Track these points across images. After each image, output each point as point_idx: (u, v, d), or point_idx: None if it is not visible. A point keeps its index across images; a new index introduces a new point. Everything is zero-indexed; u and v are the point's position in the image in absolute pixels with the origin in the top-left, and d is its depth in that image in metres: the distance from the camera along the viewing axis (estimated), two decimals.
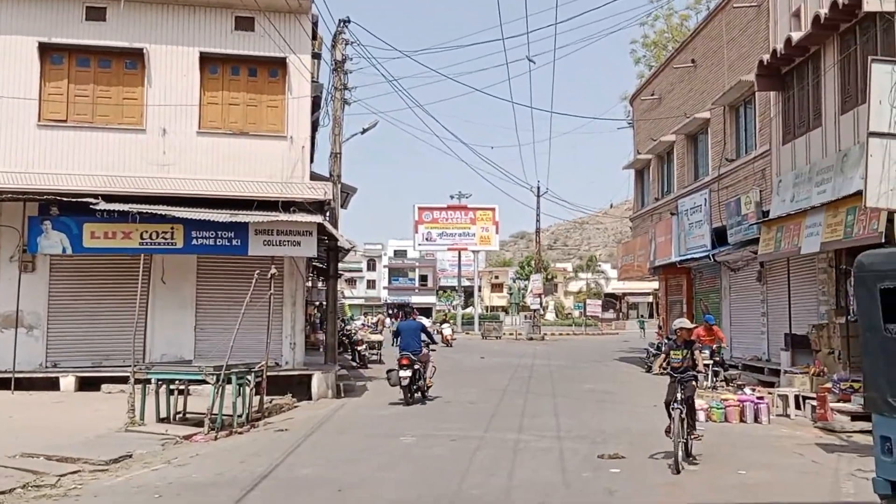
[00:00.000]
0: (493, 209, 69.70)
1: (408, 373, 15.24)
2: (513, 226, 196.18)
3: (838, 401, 13.54)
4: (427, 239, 69.37)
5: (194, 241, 15.81)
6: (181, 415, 13.26)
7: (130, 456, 10.20)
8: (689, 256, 23.52)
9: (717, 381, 16.44)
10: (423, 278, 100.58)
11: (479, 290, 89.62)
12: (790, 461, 9.74)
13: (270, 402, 15.05)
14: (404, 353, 15.55)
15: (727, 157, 21.20)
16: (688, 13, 42.81)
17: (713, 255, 22.03)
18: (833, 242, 14.36)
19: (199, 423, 12.28)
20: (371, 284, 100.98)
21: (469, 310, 73.73)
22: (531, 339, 50.79)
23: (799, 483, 8.56)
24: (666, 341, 25.00)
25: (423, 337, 16.28)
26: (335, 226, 17.98)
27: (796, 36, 15.98)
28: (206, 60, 17.17)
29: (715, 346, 17.83)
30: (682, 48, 25.34)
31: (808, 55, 16.17)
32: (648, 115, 28.64)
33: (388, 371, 16.18)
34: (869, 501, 7.66)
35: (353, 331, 29.02)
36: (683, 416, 9.49)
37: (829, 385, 14.26)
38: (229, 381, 12.53)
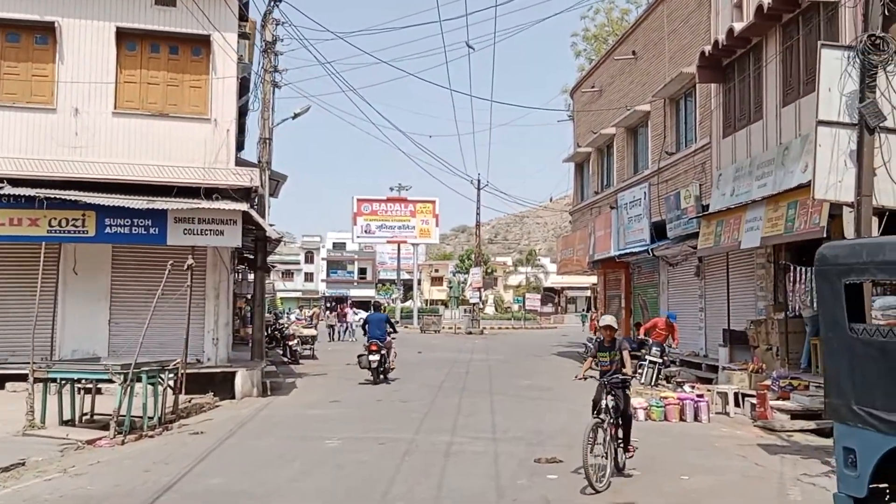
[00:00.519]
0: (433, 202, 69.06)
1: (376, 357, 17.83)
2: (453, 219, 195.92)
3: (778, 398, 13.28)
4: (366, 231, 68.37)
5: (108, 230, 14.73)
6: (88, 417, 12.29)
7: (23, 464, 9.25)
8: (628, 251, 23.24)
9: (658, 378, 16.06)
10: (363, 271, 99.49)
11: (419, 283, 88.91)
12: (733, 464, 9.31)
13: (189, 401, 14.14)
14: (372, 340, 18.00)
15: (667, 151, 20.93)
16: (628, 7, 42.83)
17: (652, 250, 21.77)
18: (774, 237, 14.10)
19: (107, 427, 11.33)
20: (309, 277, 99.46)
21: (408, 303, 73.01)
22: (470, 333, 50.34)
23: (744, 488, 8.11)
24: (593, 340, 24.87)
25: (388, 327, 18.78)
26: (263, 215, 17.08)
27: (738, 27, 15.67)
28: (124, 36, 16.05)
29: (667, 343, 17.47)
30: (623, 40, 25.04)
31: (749, 47, 15.89)
32: (589, 107, 28.32)
33: (359, 356, 18.47)
34: None
35: (286, 325, 28.00)
36: (605, 427, 8.31)
37: (768, 382, 14.00)
38: (139, 380, 11.59)
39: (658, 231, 21.33)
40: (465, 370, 22.25)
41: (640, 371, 17.21)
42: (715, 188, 17.21)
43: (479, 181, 52.99)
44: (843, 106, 8.59)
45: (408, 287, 78.93)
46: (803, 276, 14.13)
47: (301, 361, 24.53)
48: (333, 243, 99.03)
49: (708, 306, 20.25)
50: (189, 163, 15.85)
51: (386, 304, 74.98)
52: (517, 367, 23.69)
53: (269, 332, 28.10)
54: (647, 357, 16.59)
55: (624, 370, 8.78)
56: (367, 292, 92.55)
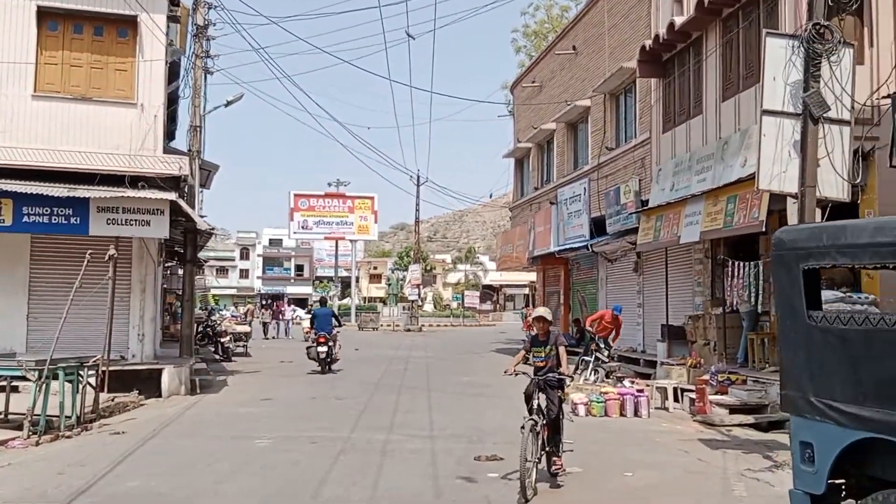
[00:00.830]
0: (371, 198, 68.45)
1: (324, 348, 19.23)
2: (393, 217, 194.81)
3: (716, 393, 13.24)
4: (303, 227, 67.37)
5: (26, 219, 13.85)
6: (2, 416, 11.50)
7: None
8: (567, 246, 23.16)
9: (598, 374, 15.91)
10: (300, 268, 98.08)
11: (357, 280, 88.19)
12: (676, 459, 9.14)
13: (111, 400, 13.39)
14: (321, 332, 19.42)
15: (607, 146, 20.89)
16: (568, 4, 42.97)
17: (591, 246, 21.73)
18: (713, 231, 14.08)
19: (21, 427, 10.59)
20: (244, 274, 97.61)
21: (346, 300, 72.20)
22: (409, 330, 49.96)
23: (688, 485, 7.91)
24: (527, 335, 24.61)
25: (334, 321, 20.13)
26: (193, 206, 16.37)
27: (679, 21, 15.63)
28: (45, 15, 15.15)
29: (611, 338, 17.30)
30: (563, 35, 24.96)
31: (690, 41, 15.88)
32: (529, 102, 28.20)
33: (308, 347, 20.10)
34: None
35: (218, 321, 27.17)
36: (538, 429, 7.61)
37: (706, 377, 13.96)
38: (56, 378, 10.88)
39: (598, 227, 21.30)
40: (404, 367, 21.86)
41: (580, 368, 17.08)
42: (655, 183, 17.18)
43: (418, 177, 52.66)
44: (788, 95, 8.48)
45: (346, 284, 78.07)
46: (741, 271, 14.15)
47: (234, 359, 23.81)
48: (270, 240, 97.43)
49: (646, 302, 20.28)
50: (114, 149, 15.07)
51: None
52: (456, 364, 23.40)
53: (202, 329, 27.28)
54: (593, 353, 16.38)
55: (560, 369, 8.04)
56: (305, 289, 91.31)
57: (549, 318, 8.37)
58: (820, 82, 8.32)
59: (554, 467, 7.86)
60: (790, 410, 4.61)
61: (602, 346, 16.39)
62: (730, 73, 14.49)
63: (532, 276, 42.76)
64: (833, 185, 8.50)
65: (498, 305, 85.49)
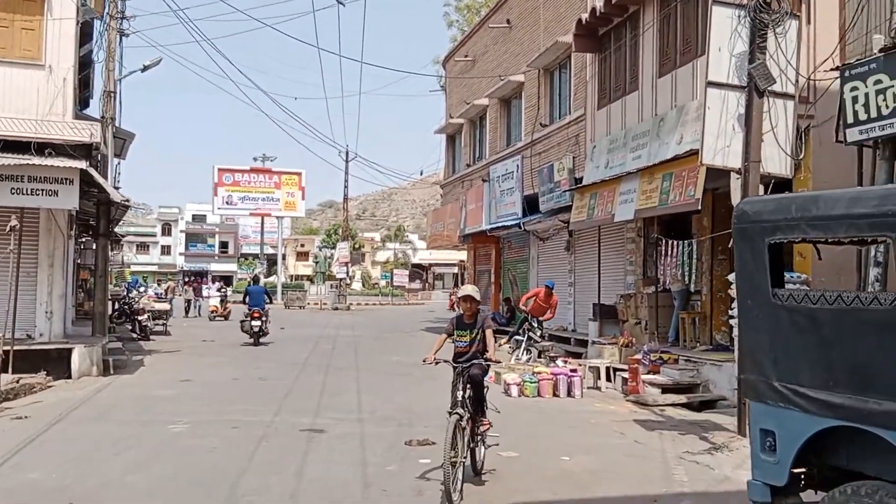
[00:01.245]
0: (299, 174, 67.05)
1: (258, 322, 20.80)
2: (321, 194, 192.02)
3: (648, 372, 13.11)
4: (227, 203, 65.57)
5: None
6: None
7: None
8: (499, 224, 22.85)
9: (531, 354, 15.64)
10: (224, 245, 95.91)
11: (284, 258, 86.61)
12: (613, 442, 8.87)
13: (17, 381, 12.50)
14: (254, 308, 21.01)
15: (541, 122, 20.58)
16: None
17: (523, 224, 21.46)
18: (648, 209, 13.90)
19: None
20: (166, 250, 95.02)
21: (272, 278, 70.75)
22: (336, 308, 49.19)
23: (628, 468, 7.63)
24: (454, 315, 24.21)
25: (266, 298, 21.95)
26: (106, 176, 15.39)
27: None
28: None
29: (546, 316, 16.98)
30: (497, 8, 24.46)
31: (627, 15, 15.61)
32: (462, 77, 27.70)
33: (242, 321, 21.68)
34: (704, 492, 6.86)
35: (135, 298, 25.98)
36: (464, 424, 6.66)
37: (638, 356, 13.83)
38: None
39: (530, 205, 21.02)
40: (332, 346, 21.27)
41: (512, 347, 16.81)
42: (589, 160, 16.95)
43: (347, 152, 51.70)
44: (733, 67, 8.21)
45: (272, 262, 76.61)
46: (674, 250, 14.04)
47: (153, 338, 22.78)
48: (193, 215, 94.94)
49: (578, 280, 20.15)
50: (19, 114, 13.98)
51: (248, 280, 72.09)
52: (385, 344, 22.93)
53: (119, 306, 26.09)
54: (526, 332, 16.07)
55: (487, 354, 7.05)
56: (230, 266, 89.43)
57: (478, 297, 7.32)
58: (766, 54, 8.06)
59: (482, 427, 7.13)
60: (750, 396, 4.28)
61: (535, 325, 16.11)
62: (667, 48, 14.28)
63: (462, 255, 42.51)
64: (776, 160, 8.29)
65: (427, 284, 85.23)
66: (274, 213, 66.46)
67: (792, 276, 11.78)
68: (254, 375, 14.54)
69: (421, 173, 46.79)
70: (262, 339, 20.98)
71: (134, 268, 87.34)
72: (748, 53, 8.18)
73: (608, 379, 13.83)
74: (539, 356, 15.45)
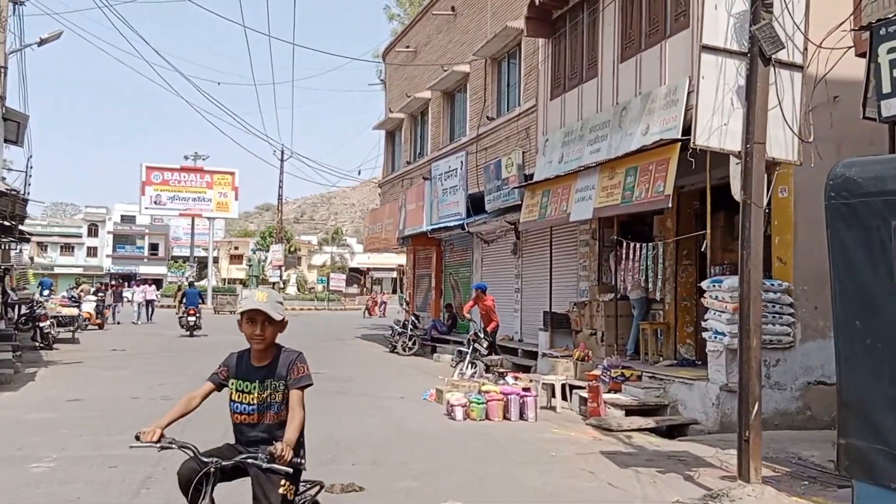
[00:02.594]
0: (232, 173, 64.39)
1: (192, 318, 25.39)
2: (259, 196, 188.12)
3: (609, 391, 11.66)
4: (156, 202, 62.49)
5: None
6: None
7: None
8: (441, 225, 21.23)
9: (476, 368, 14.00)
10: (154, 247, 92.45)
11: (217, 261, 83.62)
12: (582, 485, 7.27)
13: None
14: (190, 306, 25.57)
15: (488, 116, 19.04)
16: None
17: (467, 225, 19.89)
18: (609, 208, 12.42)
19: None
20: (92, 252, 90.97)
21: (203, 282, 67.81)
22: None
23: None
24: (401, 322, 22.80)
25: (199, 299, 26.69)
26: None
27: None
28: None
29: (491, 327, 15.41)
30: None
31: None
32: (402, 70, 26.01)
33: (180, 317, 26.22)
34: None
35: (37, 302, 23.45)
36: None
37: (597, 372, 12.36)
38: None
39: (475, 204, 19.47)
40: None
41: (454, 359, 15.20)
42: (541, 155, 15.45)
43: (282, 151, 49.67)
44: (732, 30, 6.77)
45: (203, 265, 73.59)
46: (635, 254, 12.61)
47: (56, 347, 20.47)
48: (122, 216, 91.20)
49: (525, 286, 18.68)
50: None
51: (180, 283, 68.72)
52: (315, 353, 20.87)
53: (26, 311, 23.55)
54: (472, 344, 14.44)
55: (287, 435, 3.89)
56: (159, 269, 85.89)
57: (276, 314, 4.04)
58: (772, 14, 6.61)
59: None
60: (859, 473, 2.72)
61: (481, 335, 14.50)
62: (630, 30, 12.85)
63: (402, 259, 40.80)
64: (781, 143, 6.85)
65: (365, 289, 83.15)
66: (205, 213, 63.63)
67: (771, 284, 10.46)
68: (157, 393, 12.57)
69: (359, 172, 45.10)
70: (195, 333, 25.37)
71: (57, 270, 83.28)
72: (750, 13, 6.70)
73: (564, 398, 12.32)
74: (487, 371, 13.83)
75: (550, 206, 14.38)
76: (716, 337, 10.51)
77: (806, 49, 6.90)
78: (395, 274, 79.41)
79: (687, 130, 10.94)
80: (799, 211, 10.48)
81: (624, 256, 12.84)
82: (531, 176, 15.83)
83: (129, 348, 20.94)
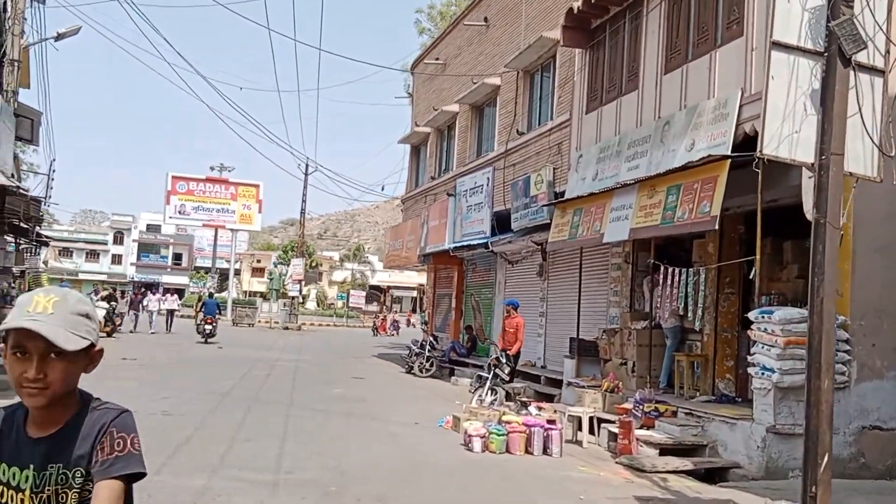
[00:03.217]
0: (257, 186, 64.13)
1: (210, 326, 27.16)
2: (284, 211, 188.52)
3: (641, 426, 10.74)
4: (180, 212, 62.30)
5: None
6: None
7: None
8: (464, 243, 20.41)
9: (497, 395, 13.10)
10: (178, 257, 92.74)
11: (239, 273, 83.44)
12: None
13: None
14: (208, 315, 27.58)
15: (518, 130, 18.27)
16: None
17: (491, 244, 19.07)
18: (648, 228, 11.54)
19: None
20: (117, 259, 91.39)
21: (224, 294, 67.42)
22: (287, 328, 46.36)
23: None
24: (419, 343, 21.87)
25: (217, 309, 28.40)
26: None
27: None
28: None
29: (515, 349, 14.47)
30: (474, 5, 22.15)
31: (626, 3, 13.37)
32: (431, 83, 25.38)
33: (197, 324, 28.27)
34: None
35: None
36: None
37: (628, 406, 11.45)
38: None
39: (501, 222, 18.66)
40: (267, 373, 18.59)
41: (473, 384, 14.33)
42: (573, 172, 14.63)
43: (307, 164, 49.32)
44: (806, 27, 5.95)
45: (225, 276, 73.31)
46: (674, 280, 11.71)
47: None
48: (147, 225, 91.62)
49: (550, 310, 17.80)
50: None
51: (200, 293, 68.35)
52: (329, 371, 20.28)
53: None
54: (493, 369, 13.54)
55: None
56: (182, 279, 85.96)
57: (69, 339, 1.91)
58: (853, 9, 5.78)
59: None
60: None
61: (503, 360, 13.61)
62: (676, 39, 12.03)
63: (423, 278, 40.01)
64: (859, 156, 5.99)
65: (385, 307, 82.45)
66: (228, 225, 63.36)
67: None
68: (158, 408, 11.81)
69: (382, 188, 44.58)
70: (210, 340, 26.92)
71: (82, 276, 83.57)
72: (827, 9, 5.87)
73: (591, 432, 11.40)
74: (507, 399, 12.93)
75: (582, 226, 13.52)
76: (763, 373, 9.58)
77: (888, 52, 6.05)
78: (415, 293, 78.74)
79: (738, 147, 10.18)
80: (859, 237, 9.58)
81: (661, 282, 11.95)
82: (562, 194, 15.01)
83: (141, 358, 20.27)
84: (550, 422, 10.45)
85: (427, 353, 20.55)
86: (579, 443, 11.18)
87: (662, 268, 12.02)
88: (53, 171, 28.12)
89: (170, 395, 13.44)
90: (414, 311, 77.04)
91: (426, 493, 7.39)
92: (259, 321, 52.18)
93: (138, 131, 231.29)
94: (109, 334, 27.50)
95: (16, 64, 13.99)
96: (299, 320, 49.14)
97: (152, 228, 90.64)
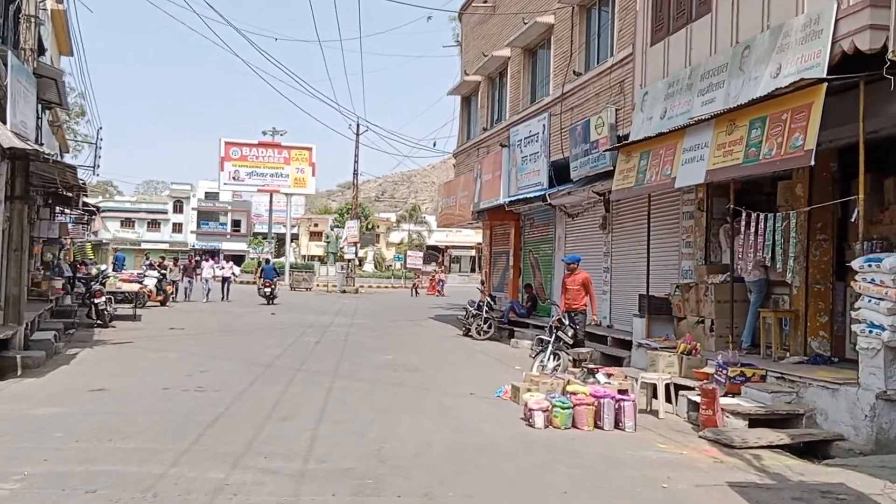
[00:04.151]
0: (309, 149, 63.50)
1: (268, 289, 29.81)
2: (342, 175, 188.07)
3: (725, 393, 9.46)
4: (234, 178, 62.17)
5: None
6: None
7: None
8: (519, 197, 19.14)
9: (560, 361, 11.87)
10: (237, 223, 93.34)
11: (297, 238, 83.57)
12: None
13: None
14: (266, 279, 30.23)
15: (574, 71, 16.80)
16: None
17: (549, 195, 17.74)
18: (727, 169, 10.09)
19: None
20: (177, 228, 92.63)
21: (281, 259, 67.40)
22: (344, 291, 45.90)
23: None
24: (476, 303, 20.65)
25: (275, 273, 31.10)
26: (3, 118, 11.79)
27: None
28: None
29: (579, 304, 13.11)
30: None
31: None
32: (479, 30, 23.89)
33: (258, 287, 30.94)
34: None
35: (98, 277, 22.41)
36: None
37: (709, 370, 10.19)
38: None
39: (559, 173, 17.36)
40: (317, 339, 17.78)
41: (533, 347, 13.16)
42: (638, 111, 13.18)
43: (357, 124, 48.30)
44: None
45: (284, 241, 73.37)
46: (759, 227, 10.28)
47: (113, 325, 19.35)
48: (206, 193, 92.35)
49: (615, 266, 16.48)
50: None
51: (258, 259, 68.36)
52: (383, 336, 19.37)
53: (85, 286, 22.63)
54: (554, 332, 12.30)
55: None
56: (241, 246, 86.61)
57: None
58: None
59: None
60: None
61: (566, 322, 12.36)
62: None
63: (480, 237, 38.82)
64: None
65: (443, 267, 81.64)
66: (283, 189, 63.01)
67: None
68: (193, 383, 10.97)
69: (434, 144, 43.13)
70: (272, 301, 29.64)
71: (144, 245, 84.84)
72: None
73: (668, 399, 10.15)
74: (574, 365, 11.70)
75: (650, 171, 12.12)
76: (871, 331, 8.19)
77: None
78: (473, 252, 77.60)
79: (833, 69, 8.69)
80: None
81: (744, 230, 10.53)
82: (626, 137, 13.60)
83: (189, 327, 19.70)
84: (622, 392, 9.22)
85: (485, 315, 19.44)
86: (654, 413, 9.96)
87: (745, 214, 10.59)
88: (101, 139, 27.64)
89: (210, 367, 12.64)
90: (472, 270, 76.00)
91: (480, 489, 6.28)
92: (317, 285, 51.86)
93: (193, 100, 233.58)
94: (163, 303, 27.11)
95: (32, 20, 13.10)
96: (356, 283, 48.58)
97: (210, 196, 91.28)
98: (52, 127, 24.43)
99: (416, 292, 45.86)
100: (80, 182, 18.83)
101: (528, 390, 10.01)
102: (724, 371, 9.74)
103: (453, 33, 33.90)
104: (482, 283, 24.17)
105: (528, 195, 18.51)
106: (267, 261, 35.88)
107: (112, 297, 20.37)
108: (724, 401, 9.17)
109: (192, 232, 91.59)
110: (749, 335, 11.71)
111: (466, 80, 24.34)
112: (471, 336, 19.32)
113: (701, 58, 11.52)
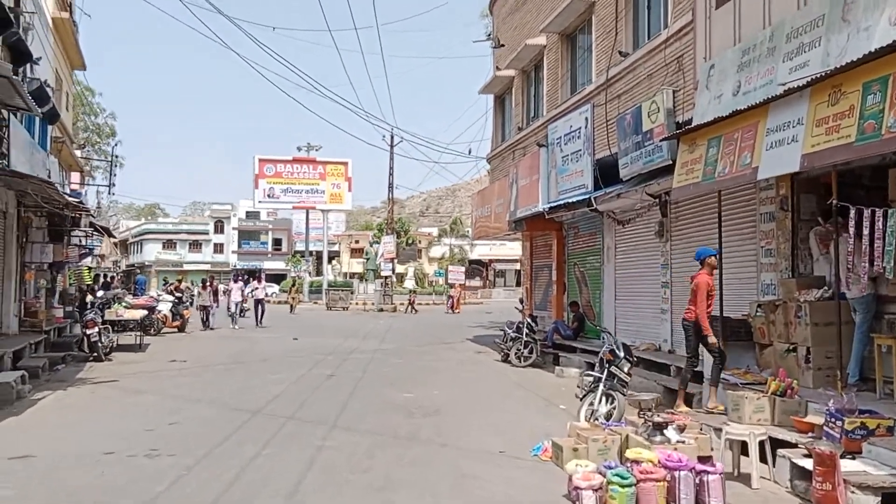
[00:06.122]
0: (345, 163, 61.91)
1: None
2: (384, 191, 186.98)
3: (843, 454, 6.86)
4: (269, 196, 60.84)
5: None
6: None
7: None
8: (561, 202, 16.66)
9: (615, 404, 9.28)
10: (277, 242, 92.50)
11: (338, 255, 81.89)
12: None
13: None
14: None
15: (621, 52, 14.33)
16: None
17: (594, 200, 15.27)
18: (833, 151, 7.53)
19: None
20: (218, 248, 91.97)
21: (319, 278, 65.61)
22: (381, 310, 43.71)
23: None
24: (516, 324, 18.10)
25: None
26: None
27: None
28: None
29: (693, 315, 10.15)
30: None
31: None
32: (511, 20, 21.55)
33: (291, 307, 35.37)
34: None
35: (98, 304, 20.40)
36: None
37: (815, 419, 7.59)
38: None
39: (605, 173, 14.89)
40: (333, 370, 15.52)
41: (582, 387, 10.65)
42: (703, 90, 10.66)
43: (392, 136, 46.34)
44: None
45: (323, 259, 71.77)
46: (877, 227, 7.72)
47: (111, 357, 17.34)
48: (247, 212, 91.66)
49: (676, 280, 13.91)
50: None
51: (296, 277, 66.72)
52: (408, 364, 17.02)
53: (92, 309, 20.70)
54: (606, 367, 9.66)
55: None
56: (282, 264, 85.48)
57: None
58: None
59: None
60: None
61: (620, 353, 9.74)
62: None
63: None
64: None
65: (487, 282, 79.17)
66: (319, 206, 61.52)
67: None
68: (148, 443, 8.67)
69: (469, 151, 40.82)
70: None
71: (186, 267, 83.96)
72: None
73: (762, 459, 7.58)
74: (640, 412, 9.07)
75: (722, 161, 9.59)
76: None
77: None
78: (518, 266, 75.01)
79: None
80: None
81: (856, 233, 7.96)
82: (688, 122, 11.10)
83: (194, 359, 17.58)
84: (703, 459, 6.69)
85: (525, 338, 16.96)
86: (744, 478, 7.40)
87: (854, 211, 8.02)
88: (115, 156, 25.99)
89: (184, 416, 10.39)
90: (517, 284, 73.32)
91: None
92: (354, 303, 49.87)
93: (227, 119, 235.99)
94: (181, 329, 25.08)
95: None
96: (393, 301, 46.38)
97: (251, 215, 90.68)
98: (55, 143, 22.74)
99: (454, 310, 43.49)
100: (77, 201, 16.99)
101: (574, 449, 7.57)
102: (839, 422, 7.16)
103: (485, 30, 31.64)
104: (521, 301, 21.61)
105: (571, 200, 16.03)
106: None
107: (109, 327, 18.34)
108: (844, 465, 6.60)
109: (233, 252, 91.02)
110: (857, 368, 9.08)
111: (499, 76, 21.97)
112: (509, 362, 16.87)
113: (785, 13, 8.99)
